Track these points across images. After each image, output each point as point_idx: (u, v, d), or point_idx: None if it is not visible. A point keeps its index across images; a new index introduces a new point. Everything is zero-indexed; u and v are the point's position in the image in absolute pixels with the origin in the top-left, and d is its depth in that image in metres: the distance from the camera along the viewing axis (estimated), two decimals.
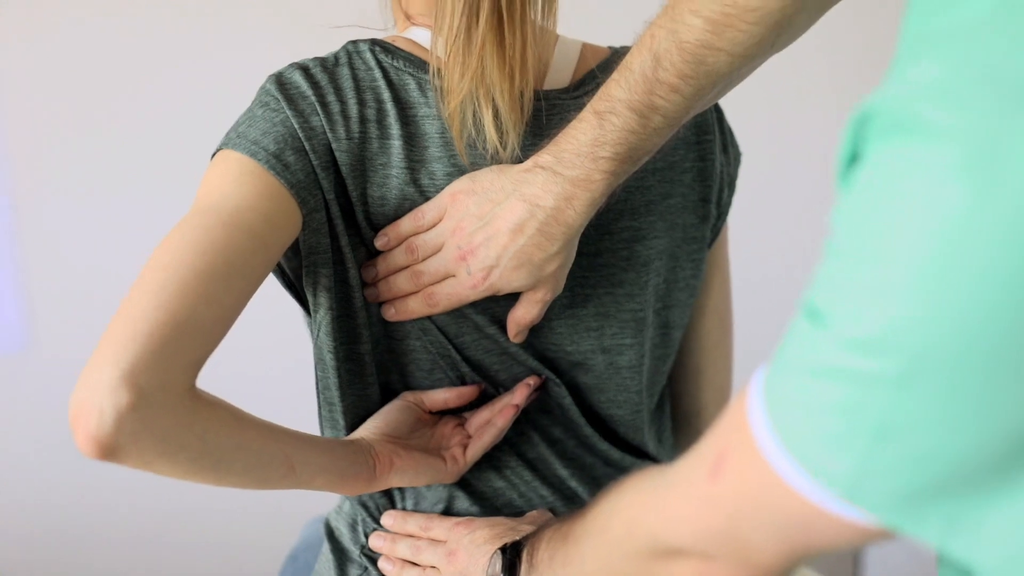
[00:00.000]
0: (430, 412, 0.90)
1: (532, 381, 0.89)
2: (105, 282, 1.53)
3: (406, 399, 0.89)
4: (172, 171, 1.67)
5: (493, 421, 0.88)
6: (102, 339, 0.66)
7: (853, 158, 0.45)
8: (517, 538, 0.79)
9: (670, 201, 0.89)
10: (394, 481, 0.84)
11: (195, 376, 0.68)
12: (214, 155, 0.81)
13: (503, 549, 0.79)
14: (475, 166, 0.83)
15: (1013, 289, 0.39)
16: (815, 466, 0.46)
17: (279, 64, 0.84)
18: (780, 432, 0.47)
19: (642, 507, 0.60)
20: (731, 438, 0.51)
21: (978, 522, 0.44)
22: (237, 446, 0.71)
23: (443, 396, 0.89)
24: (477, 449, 0.88)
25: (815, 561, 0.58)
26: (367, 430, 0.86)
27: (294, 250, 0.82)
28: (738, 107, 1.07)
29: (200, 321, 0.68)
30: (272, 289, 0.87)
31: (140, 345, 0.65)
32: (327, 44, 0.87)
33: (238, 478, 0.73)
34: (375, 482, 0.83)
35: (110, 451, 0.64)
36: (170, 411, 0.66)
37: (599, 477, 0.93)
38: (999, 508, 0.43)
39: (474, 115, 0.81)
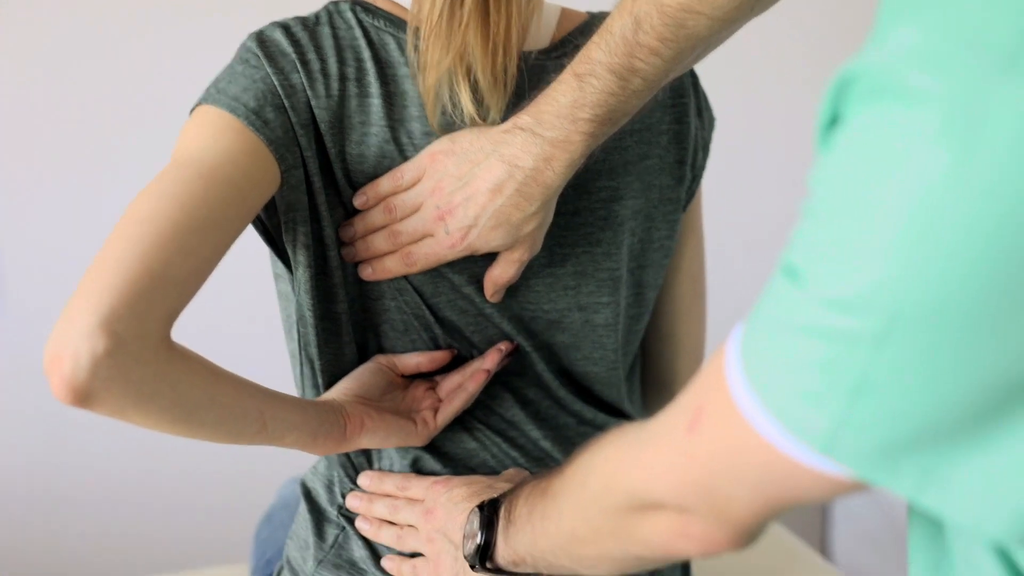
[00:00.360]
0: (402, 375, 0.90)
1: (504, 347, 0.89)
2: (76, 240, 1.51)
3: (379, 362, 0.89)
4: (141, 130, 1.66)
5: (464, 385, 0.89)
6: (78, 288, 0.66)
7: (833, 121, 0.46)
8: (495, 495, 0.80)
9: (647, 162, 0.90)
10: (364, 442, 0.85)
11: (170, 327, 0.69)
12: (193, 110, 0.80)
13: (481, 506, 0.79)
14: (450, 129, 0.83)
15: (989, 252, 0.40)
16: (792, 421, 0.47)
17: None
18: (757, 388, 0.48)
19: (620, 462, 0.61)
20: (709, 393, 0.52)
21: (950, 475, 0.45)
22: (210, 399, 0.71)
23: (416, 360, 0.89)
24: (448, 413, 0.89)
25: (784, 514, 0.59)
26: (339, 391, 0.86)
27: (273, 207, 0.82)
28: (713, 73, 1.07)
29: (177, 273, 0.68)
30: (250, 251, 0.87)
31: (117, 294, 0.65)
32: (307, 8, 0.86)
33: (210, 431, 0.73)
34: (345, 443, 0.83)
35: (84, 397, 0.64)
36: (145, 360, 0.66)
37: (572, 437, 0.93)
38: (971, 461, 0.44)
39: (451, 90, 0.81)
